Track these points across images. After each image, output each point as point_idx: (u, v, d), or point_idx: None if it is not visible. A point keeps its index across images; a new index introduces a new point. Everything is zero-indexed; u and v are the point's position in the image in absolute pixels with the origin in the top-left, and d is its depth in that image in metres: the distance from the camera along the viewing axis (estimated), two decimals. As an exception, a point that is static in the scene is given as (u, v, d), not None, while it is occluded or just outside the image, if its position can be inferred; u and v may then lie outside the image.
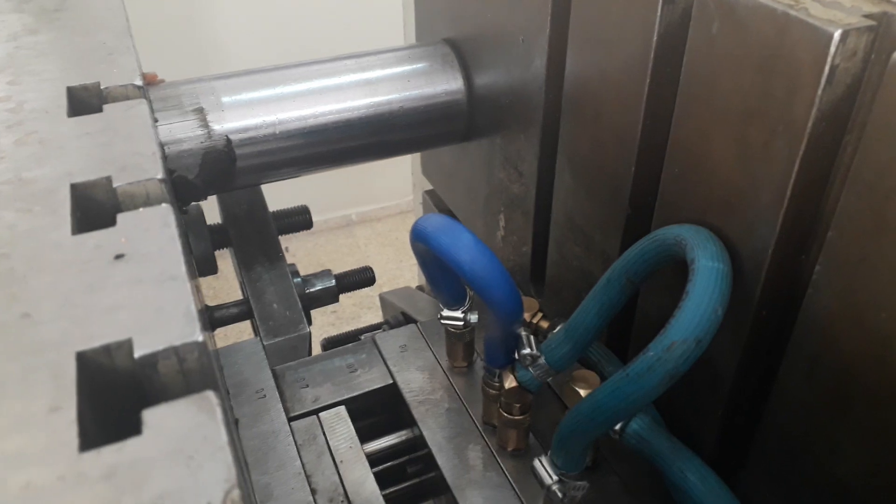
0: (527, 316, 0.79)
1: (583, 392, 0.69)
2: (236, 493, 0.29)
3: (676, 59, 0.59)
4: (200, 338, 0.36)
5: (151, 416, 0.32)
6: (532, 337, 0.72)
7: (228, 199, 1.09)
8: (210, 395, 0.33)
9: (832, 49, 0.45)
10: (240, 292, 1.13)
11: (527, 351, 0.71)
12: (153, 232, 0.43)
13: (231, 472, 0.30)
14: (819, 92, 0.47)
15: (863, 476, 0.52)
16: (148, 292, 0.39)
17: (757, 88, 0.51)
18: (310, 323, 0.99)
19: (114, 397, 0.36)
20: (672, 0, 0.59)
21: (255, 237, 1.05)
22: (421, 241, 0.68)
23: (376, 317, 2.86)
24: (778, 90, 0.50)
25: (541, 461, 0.68)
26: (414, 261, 0.77)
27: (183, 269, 0.40)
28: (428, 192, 1.27)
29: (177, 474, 0.30)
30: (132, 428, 0.32)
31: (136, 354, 0.35)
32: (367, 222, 3.53)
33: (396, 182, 2.98)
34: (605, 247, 0.75)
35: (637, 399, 0.55)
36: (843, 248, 0.49)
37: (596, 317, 0.66)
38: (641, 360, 0.53)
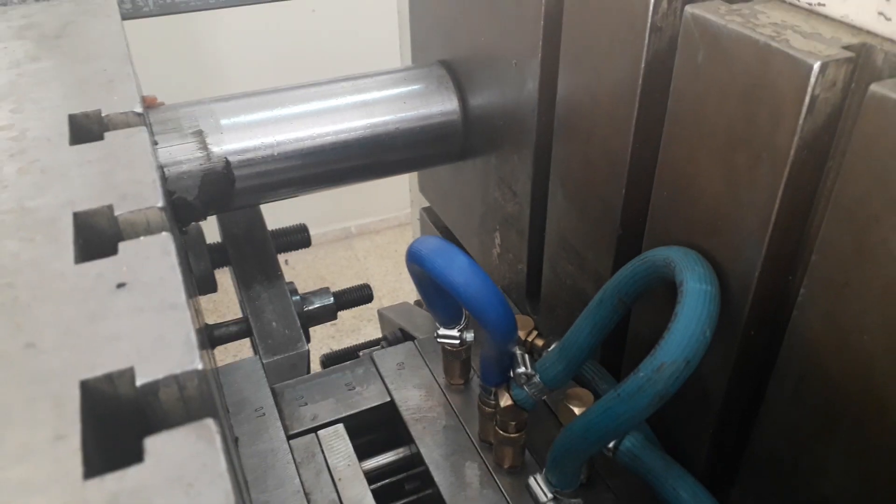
0: (522, 334, 0.80)
1: (577, 410, 0.70)
2: (234, 520, 0.30)
3: (664, 85, 0.61)
4: (200, 366, 0.37)
5: (152, 444, 0.33)
6: (527, 356, 0.73)
7: (228, 218, 1.11)
8: (210, 423, 0.34)
9: (812, 80, 0.47)
10: (239, 307, 1.14)
11: (522, 370, 0.72)
12: (154, 260, 0.44)
13: (230, 499, 0.31)
14: (800, 121, 0.48)
15: (849, 495, 0.53)
16: (149, 321, 0.40)
17: (741, 116, 0.53)
18: (308, 340, 1.00)
19: (116, 425, 0.37)
20: (659, 28, 0.60)
21: (254, 256, 1.06)
22: (417, 264, 0.69)
23: (376, 329, 2.86)
24: (761, 118, 0.51)
25: (536, 479, 0.69)
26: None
27: (183, 297, 0.41)
28: (425, 210, 1.29)
29: (177, 502, 0.31)
30: (134, 455, 0.33)
31: (138, 382, 0.36)
32: (366, 235, 3.54)
33: (395, 195, 2.99)
34: (597, 266, 0.76)
35: (628, 419, 0.56)
36: (827, 273, 0.50)
37: (589, 336, 0.67)
38: (632, 380, 0.55)
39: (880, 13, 0.47)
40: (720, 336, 0.57)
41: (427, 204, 1.28)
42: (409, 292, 2.91)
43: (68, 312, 0.40)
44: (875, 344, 0.48)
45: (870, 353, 0.49)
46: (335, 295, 1.12)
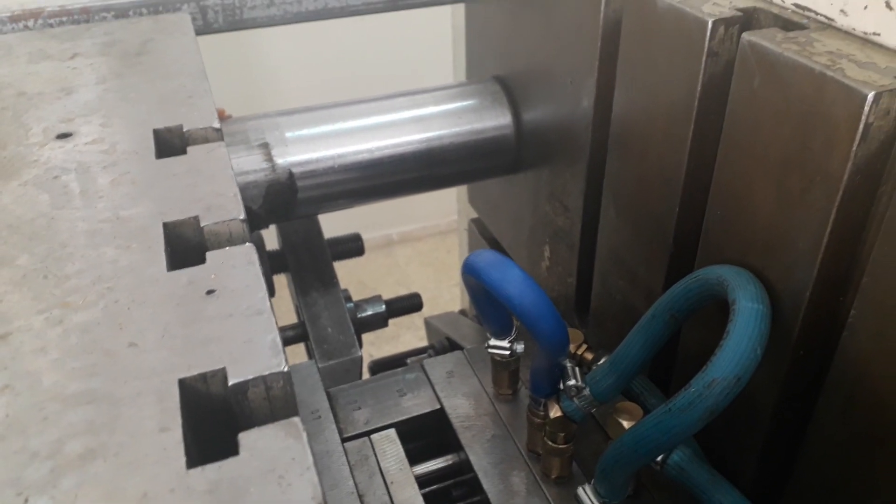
0: (572, 347, 0.82)
1: (626, 424, 0.72)
2: (323, 510, 0.33)
3: (720, 107, 0.63)
4: (285, 368, 0.40)
5: (246, 439, 0.37)
6: (577, 368, 0.75)
7: (287, 227, 1.15)
8: (296, 422, 0.37)
9: (866, 108, 0.48)
10: (289, 314, 1.18)
11: (572, 382, 0.74)
12: (239, 270, 0.48)
13: (317, 490, 0.34)
14: (854, 148, 0.49)
15: (897, 513, 0.54)
16: (238, 325, 0.43)
17: (796, 141, 0.55)
18: (360, 346, 1.03)
19: (207, 420, 0.41)
20: (715, 53, 0.62)
21: (312, 264, 1.10)
22: (472, 276, 0.72)
23: (415, 337, 2.90)
24: (816, 144, 0.53)
25: (584, 489, 0.71)
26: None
27: (267, 304, 0.44)
28: (474, 221, 1.31)
29: (270, 491, 0.34)
30: (227, 449, 0.37)
31: (230, 382, 0.40)
32: (407, 242, 3.58)
33: (437, 203, 3.02)
34: (649, 282, 0.78)
35: (678, 433, 0.58)
36: (878, 294, 0.51)
37: (640, 350, 0.69)
38: (683, 395, 0.56)
39: (936, 45, 0.49)
40: (770, 354, 0.58)
41: (475, 215, 1.30)
42: (448, 301, 2.94)
43: (165, 316, 0.44)
44: (926, 366, 0.49)
45: (921, 374, 0.50)
46: (386, 303, 1.15)
